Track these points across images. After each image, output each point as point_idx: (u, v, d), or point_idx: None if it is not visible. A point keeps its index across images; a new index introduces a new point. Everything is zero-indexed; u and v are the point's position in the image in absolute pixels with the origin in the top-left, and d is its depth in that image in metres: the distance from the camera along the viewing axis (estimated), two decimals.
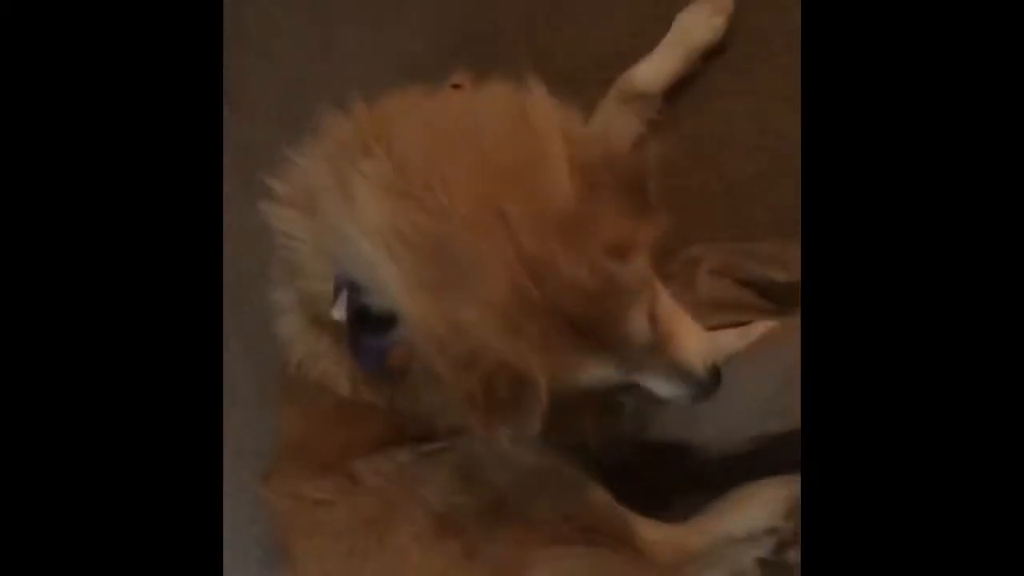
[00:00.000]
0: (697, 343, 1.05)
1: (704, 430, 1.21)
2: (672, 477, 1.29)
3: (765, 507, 1.23)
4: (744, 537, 1.23)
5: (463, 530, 1.13)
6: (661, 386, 1.06)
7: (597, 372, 1.00)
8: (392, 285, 0.95)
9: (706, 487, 1.27)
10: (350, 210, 0.97)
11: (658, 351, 1.02)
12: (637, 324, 0.98)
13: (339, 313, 1.03)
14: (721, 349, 1.15)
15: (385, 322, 0.99)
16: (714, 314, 1.23)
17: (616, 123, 1.37)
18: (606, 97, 1.38)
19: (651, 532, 1.22)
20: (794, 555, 1.22)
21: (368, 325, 1.01)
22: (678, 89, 1.37)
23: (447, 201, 0.92)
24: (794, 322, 1.13)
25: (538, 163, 0.94)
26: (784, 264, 1.22)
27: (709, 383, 1.05)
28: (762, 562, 1.23)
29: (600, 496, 1.20)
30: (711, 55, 1.37)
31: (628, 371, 1.02)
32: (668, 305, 1.04)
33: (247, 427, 1.47)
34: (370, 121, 1.02)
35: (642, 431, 1.21)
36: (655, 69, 1.38)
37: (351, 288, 1.01)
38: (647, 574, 1.21)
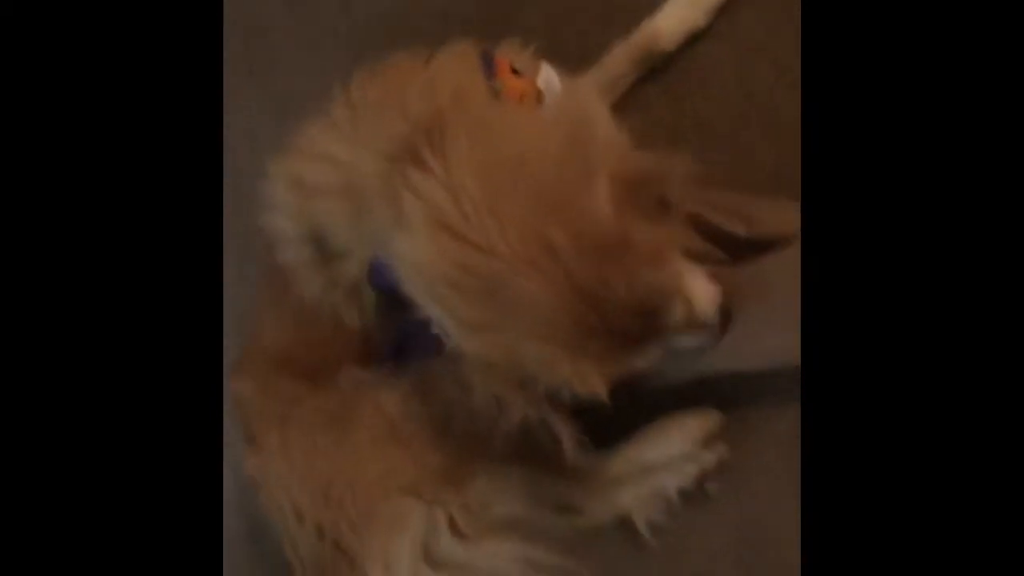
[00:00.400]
0: (707, 293, 1.07)
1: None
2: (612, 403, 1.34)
3: (683, 438, 1.30)
4: (662, 465, 1.30)
5: (415, 438, 1.20)
6: (683, 341, 1.08)
7: (648, 362, 1.04)
8: (442, 321, 0.99)
9: (639, 417, 1.32)
10: (400, 232, 0.98)
11: (687, 318, 1.04)
12: (679, 314, 1.01)
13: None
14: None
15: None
16: None
17: (621, 76, 1.37)
18: (618, 48, 1.36)
19: (578, 456, 1.27)
20: (713, 485, 1.29)
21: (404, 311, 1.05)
22: None
23: (499, 238, 0.93)
24: (748, 269, 1.17)
25: (585, 187, 0.95)
26: (747, 220, 1.24)
27: (723, 324, 1.09)
28: (683, 491, 1.29)
29: (537, 419, 1.24)
30: None
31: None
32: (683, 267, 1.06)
33: None
34: (425, 121, 1.01)
35: None
36: (678, 25, 1.35)
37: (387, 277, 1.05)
38: (572, 493, 1.28)
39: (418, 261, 0.98)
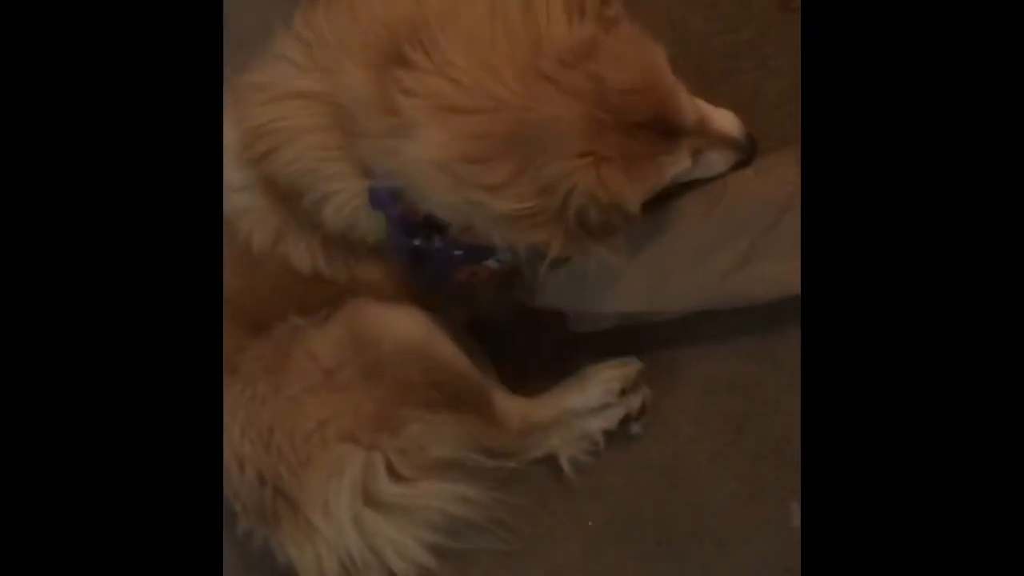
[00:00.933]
0: (727, 116, 1.16)
1: (579, 304, 1.28)
2: (538, 347, 1.38)
3: (604, 385, 1.33)
4: (585, 411, 1.34)
5: (348, 386, 1.23)
6: (717, 161, 1.16)
7: (676, 167, 1.09)
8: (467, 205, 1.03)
9: (565, 365, 1.36)
10: (406, 138, 1.01)
11: (707, 129, 1.12)
12: (686, 103, 1.08)
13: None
14: None
15: (440, 227, 1.10)
16: None
17: None
18: None
19: (506, 403, 1.32)
20: (636, 427, 1.34)
21: (422, 231, 1.12)
22: None
23: (500, 88, 0.99)
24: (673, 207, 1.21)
25: (546, 16, 1.00)
26: None
27: (750, 145, 1.17)
28: (608, 433, 1.34)
29: (466, 367, 1.28)
30: None
31: (696, 157, 1.12)
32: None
33: None
34: (399, 22, 1.03)
35: (529, 298, 1.27)
36: None
37: (396, 197, 1.09)
38: (499, 437, 1.32)
39: (433, 156, 1.00)
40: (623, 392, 1.33)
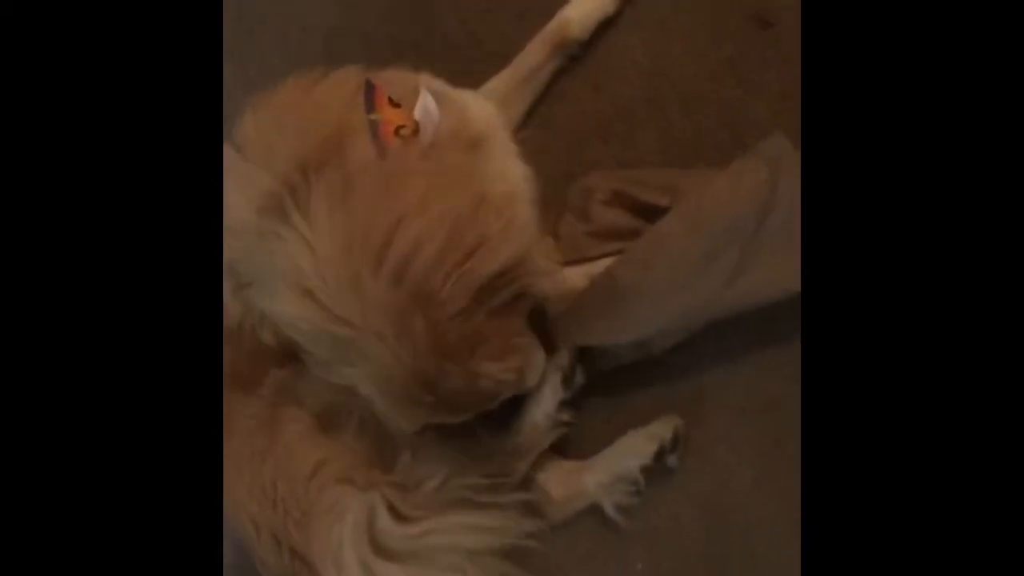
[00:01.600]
0: (536, 368, 1.19)
1: (591, 339, 1.28)
2: None
3: (637, 449, 1.31)
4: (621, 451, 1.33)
5: (339, 427, 1.24)
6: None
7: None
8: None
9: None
10: (269, 289, 1.08)
11: None
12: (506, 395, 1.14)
13: None
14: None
15: None
16: (607, 243, 1.30)
17: (538, 66, 1.39)
18: (534, 40, 1.39)
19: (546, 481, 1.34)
20: (672, 459, 1.30)
21: None
22: None
23: (357, 315, 1.03)
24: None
25: (456, 285, 1.02)
26: (672, 192, 1.27)
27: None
28: (646, 470, 1.30)
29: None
30: None
31: None
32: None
33: None
34: (292, 174, 1.06)
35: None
36: (587, 14, 1.38)
37: None
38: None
39: (282, 316, 1.08)
40: (661, 451, 1.30)
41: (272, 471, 1.22)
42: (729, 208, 1.17)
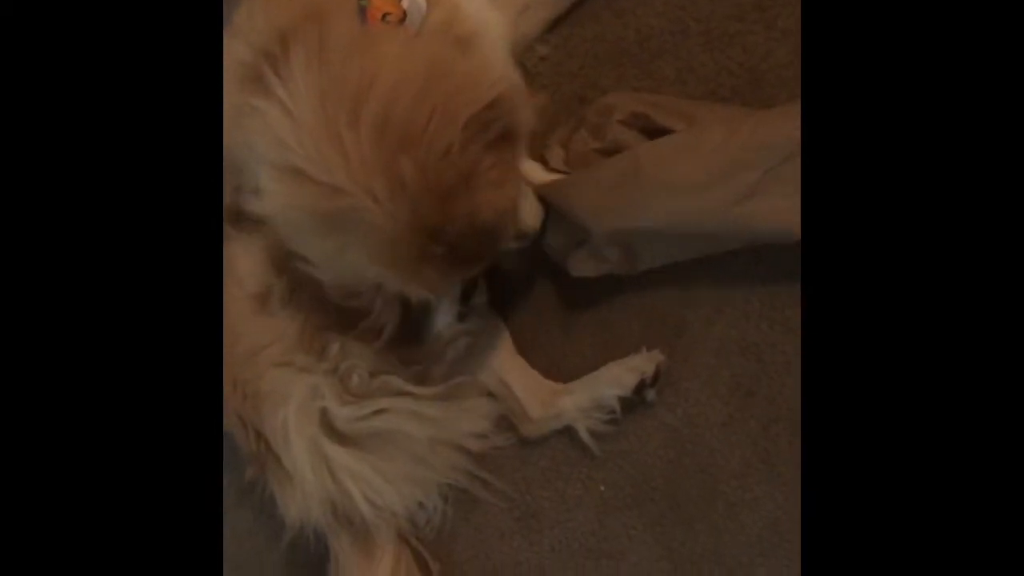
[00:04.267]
0: (534, 211, 1.20)
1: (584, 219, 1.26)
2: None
3: (619, 380, 1.34)
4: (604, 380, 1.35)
5: (274, 313, 1.25)
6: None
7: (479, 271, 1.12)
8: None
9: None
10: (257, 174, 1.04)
11: None
12: (512, 233, 1.12)
13: None
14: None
15: None
16: None
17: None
18: None
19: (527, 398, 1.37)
20: (651, 394, 1.34)
21: None
22: None
23: (342, 173, 0.97)
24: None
25: (434, 121, 0.97)
26: (689, 119, 1.26)
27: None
28: (623, 400, 1.34)
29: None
30: None
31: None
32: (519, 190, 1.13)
33: None
34: (270, 42, 1.02)
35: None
36: None
37: None
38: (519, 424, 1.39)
39: (275, 207, 1.03)
40: (642, 385, 1.33)
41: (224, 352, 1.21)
42: (769, 133, 1.16)
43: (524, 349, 1.39)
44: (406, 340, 1.28)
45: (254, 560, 1.49)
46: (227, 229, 1.21)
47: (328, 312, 1.23)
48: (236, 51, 1.05)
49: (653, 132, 1.28)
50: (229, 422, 1.26)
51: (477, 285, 1.26)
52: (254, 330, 1.23)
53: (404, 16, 1.09)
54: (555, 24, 1.38)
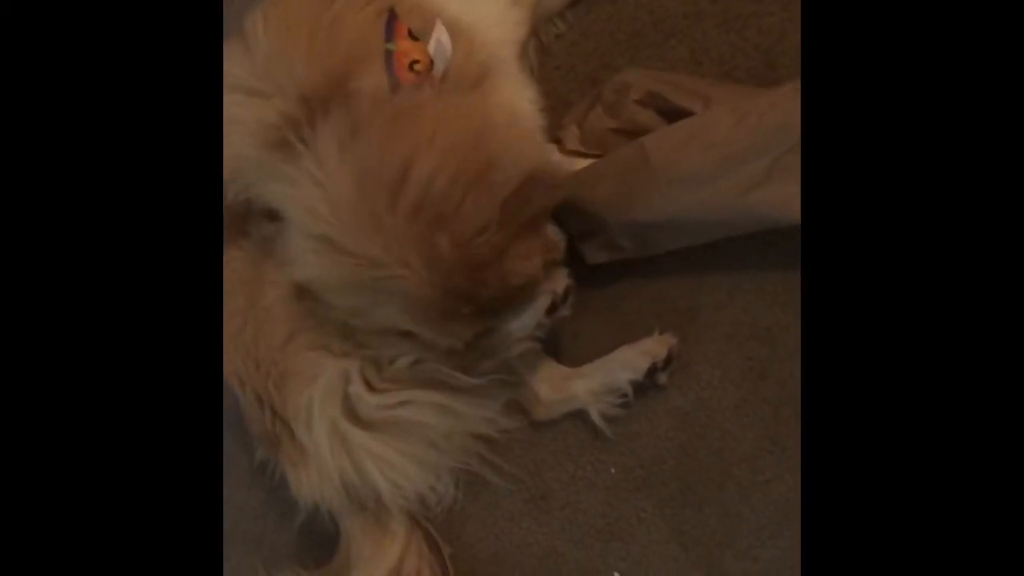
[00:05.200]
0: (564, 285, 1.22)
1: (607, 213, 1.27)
2: None
3: (631, 363, 1.33)
4: (617, 362, 1.35)
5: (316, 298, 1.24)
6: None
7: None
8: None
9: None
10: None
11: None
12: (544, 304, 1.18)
13: None
14: None
15: None
16: (633, 139, 1.27)
17: None
18: None
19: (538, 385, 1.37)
20: (663, 377, 1.34)
21: None
22: None
23: (381, 252, 1.03)
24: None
25: (477, 201, 1.03)
26: (705, 100, 1.26)
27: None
28: (635, 383, 1.33)
29: None
30: None
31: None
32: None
33: None
34: (297, 112, 1.07)
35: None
36: None
37: None
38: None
39: (306, 274, 1.11)
40: (654, 368, 1.32)
41: (253, 331, 1.23)
42: (780, 117, 1.15)
43: None
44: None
45: (265, 540, 1.49)
46: (270, 227, 1.23)
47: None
48: (257, 109, 1.10)
49: (669, 113, 1.28)
50: (245, 398, 1.26)
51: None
52: (291, 315, 1.24)
53: (430, 63, 1.11)
54: (573, 2, 1.38)
